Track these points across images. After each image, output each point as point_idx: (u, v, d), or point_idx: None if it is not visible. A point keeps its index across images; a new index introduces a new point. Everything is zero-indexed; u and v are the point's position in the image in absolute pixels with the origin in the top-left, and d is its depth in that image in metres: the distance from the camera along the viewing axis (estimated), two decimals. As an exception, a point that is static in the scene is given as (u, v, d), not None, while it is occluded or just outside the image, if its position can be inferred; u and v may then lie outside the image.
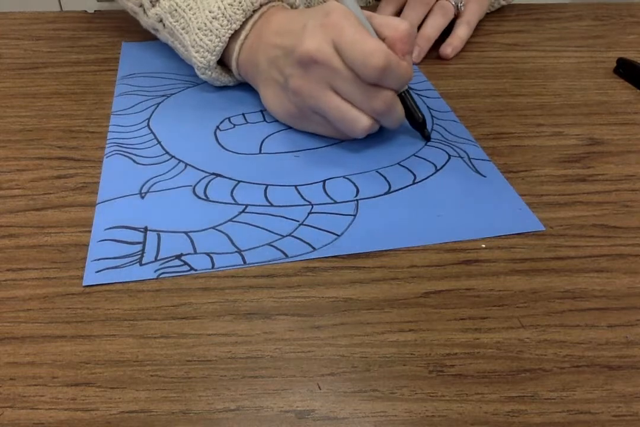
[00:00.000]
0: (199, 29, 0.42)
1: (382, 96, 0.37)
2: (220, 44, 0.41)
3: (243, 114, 0.44)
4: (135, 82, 0.48)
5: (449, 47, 0.53)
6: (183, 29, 0.43)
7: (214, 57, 0.42)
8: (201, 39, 0.42)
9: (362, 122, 0.37)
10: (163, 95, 0.46)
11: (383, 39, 0.37)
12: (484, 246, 0.33)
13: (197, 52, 0.42)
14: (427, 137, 0.42)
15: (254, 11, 0.42)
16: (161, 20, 0.46)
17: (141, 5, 0.47)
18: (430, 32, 0.52)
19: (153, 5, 0.46)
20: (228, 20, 0.41)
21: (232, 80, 0.46)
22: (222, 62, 0.44)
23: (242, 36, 0.42)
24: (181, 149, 0.40)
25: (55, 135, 0.42)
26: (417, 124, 0.41)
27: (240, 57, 0.43)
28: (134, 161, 0.39)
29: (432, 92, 0.48)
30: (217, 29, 0.41)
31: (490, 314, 0.29)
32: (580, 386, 0.26)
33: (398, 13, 0.54)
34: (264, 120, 0.44)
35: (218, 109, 0.45)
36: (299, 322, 0.28)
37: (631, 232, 0.34)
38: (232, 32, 0.41)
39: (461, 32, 0.54)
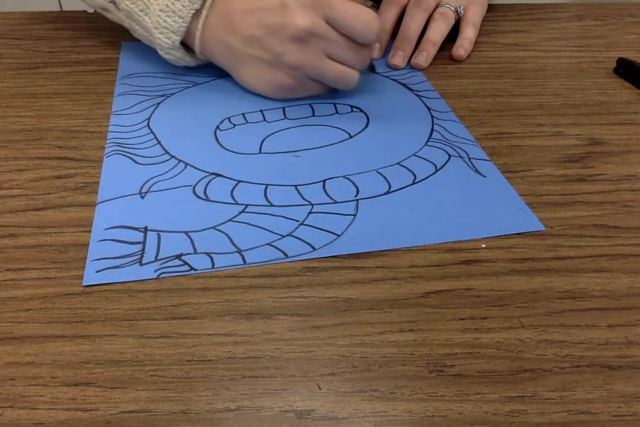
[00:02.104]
0: (160, 11, 0.43)
1: (368, 52, 0.44)
2: (184, 24, 0.43)
3: (243, 114, 0.44)
4: (135, 82, 0.48)
5: (461, 49, 0.53)
6: (142, 11, 0.44)
7: (178, 37, 0.44)
8: (164, 20, 0.43)
9: (355, 77, 0.44)
10: (163, 95, 0.46)
11: None
12: (484, 245, 0.33)
13: (161, 33, 0.44)
14: (372, 68, 0.50)
15: None
16: (112, 1, 0.46)
17: None
18: (434, 36, 0.52)
19: None
20: (190, 1, 0.42)
21: (195, 60, 0.47)
22: (182, 43, 0.45)
23: (203, 15, 0.43)
24: (181, 149, 0.40)
25: (55, 135, 0.42)
26: None
27: (203, 35, 0.44)
28: (134, 161, 0.39)
29: (432, 93, 0.48)
30: (179, 10, 0.42)
31: (490, 314, 0.29)
32: (580, 386, 0.26)
33: (398, 20, 0.54)
34: (264, 120, 0.44)
35: (218, 108, 0.45)
36: (299, 322, 0.28)
37: (631, 232, 0.34)
38: (193, 11, 0.43)
39: (469, 34, 0.54)
